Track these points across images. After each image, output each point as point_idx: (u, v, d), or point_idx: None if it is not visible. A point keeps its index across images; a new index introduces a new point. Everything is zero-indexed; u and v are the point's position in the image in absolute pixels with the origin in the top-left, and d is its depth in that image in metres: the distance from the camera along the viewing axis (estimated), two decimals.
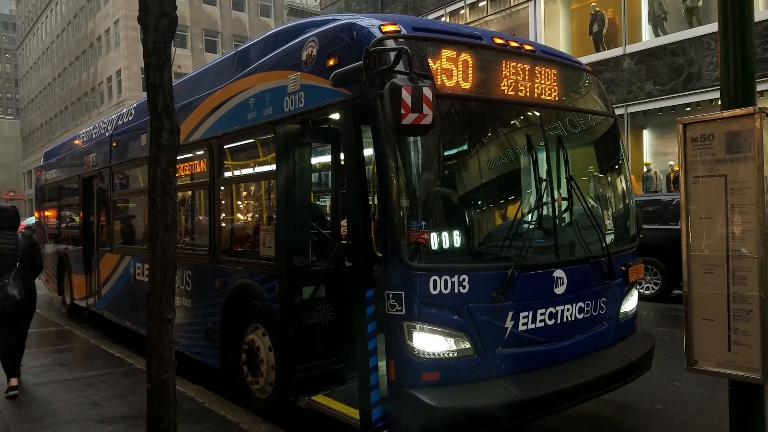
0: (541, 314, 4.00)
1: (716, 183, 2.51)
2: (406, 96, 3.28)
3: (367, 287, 3.80)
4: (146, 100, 6.87)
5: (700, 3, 15.25)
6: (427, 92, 3.33)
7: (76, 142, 11.17)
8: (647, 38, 16.26)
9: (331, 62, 4.14)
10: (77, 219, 10.47)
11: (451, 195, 4.10)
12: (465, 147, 4.27)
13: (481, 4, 19.98)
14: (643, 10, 16.33)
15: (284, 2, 49.25)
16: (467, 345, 3.70)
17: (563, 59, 4.86)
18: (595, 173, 5.08)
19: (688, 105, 15.10)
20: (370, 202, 4.41)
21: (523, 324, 3.90)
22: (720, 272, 2.51)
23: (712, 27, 14.60)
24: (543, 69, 4.42)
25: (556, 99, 4.51)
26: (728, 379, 2.78)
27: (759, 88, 14.27)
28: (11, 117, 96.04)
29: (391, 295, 3.64)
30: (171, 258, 3.90)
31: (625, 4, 16.44)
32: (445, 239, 3.88)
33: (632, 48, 16.14)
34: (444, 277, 3.63)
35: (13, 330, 5.91)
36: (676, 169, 14.92)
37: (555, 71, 4.51)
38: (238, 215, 6.00)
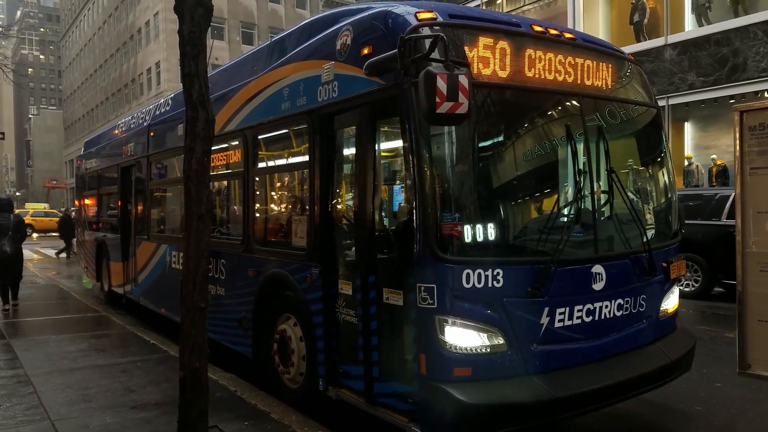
0: (579, 311, 3.89)
1: None
2: (442, 84, 3.19)
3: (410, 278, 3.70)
4: (174, 93, 6.84)
5: None
6: (463, 80, 3.24)
7: (115, 132, 11.36)
8: (690, 28, 15.75)
9: (366, 51, 4.08)
10: (115, 207, 10.65)
11: (486, 186, 4.00)
12: (501, 137, 4.16)
13: None
14: None
15: None
16: (501, 341, 3.61)
17: (605, 48, 4.71)
18: (636, 166, 4.90)
19: (732, 97, 14.60)
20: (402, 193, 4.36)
21: (560, 320, 3.80)
22: None
23: (760, 16, 14.06)
24: (583, 58, 4.27)
25: (597, 88, 4.37)
26: None
27: None
28: (54, 107, 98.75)
29: (422, 288, 3.56)
30: (205, 247, 3.91)
31: None
32: (479, 232, 3.78)
33: (674, 38, 15.66)
34: (478, 271, 3.55)
35: (10, 272, 9.71)
36: (719, 162, 14.45)
37: (596, 60, 4.36)
38: (272, 205, 6.00)
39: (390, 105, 3.88)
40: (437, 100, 3.20)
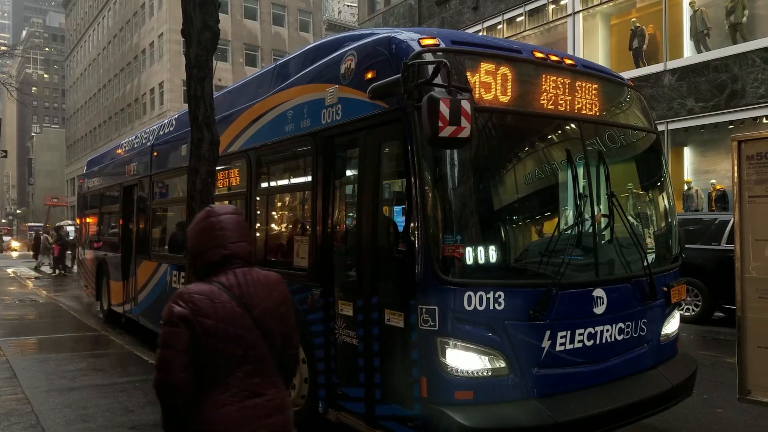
0: (580, 334, 3.89)
1: None
2: (444, 108, 3.24)
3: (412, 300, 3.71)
4: (187, 111, 6.95)
5: (745, 19, 14.88)
6: (466, 105, 3.29)
7: (118, 151, 11.41)
8: (689, 54, 15.92)
9: (370, 75, 4.15)
10: (117, 226, 10.64)
11: (488, 209, 4.03)
12: (502, 161, 4.21)
13: (518, 20, 19.87)
14: (685, 26, 16.02)
15: (323, 18, 49.89)
16: (502, 364, 3.60)
17: (605, 74, 4.77)
18: (637, 190, 4.96)
19: (731, 123, 14.70)
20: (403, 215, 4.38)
21: (561, 344, 3.80)
22: None
23: (758, 43, 14.23)
24: (584, 83, 4.34)
25: (597, 114, 4.43)
26: None
27: None
28: (57, 126, 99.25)
29: (424, 310, 3.56)
30: None
31: (667, 20, 16.15)
32: (480, 254, 3.79)
33: (673, 64, 15.82)
34: (479, 293, 3.55)
35: None
36: (718, 187, 14.50)
37: (596, 86, 4.43)
38: (273, 225, 6.03)
39: (393, 128, 3.93)
40: (440, 124, 3.24)
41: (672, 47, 16.18)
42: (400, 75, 3.62)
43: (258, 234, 5.93)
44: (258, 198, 5.97)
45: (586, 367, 3.94)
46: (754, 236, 2.38)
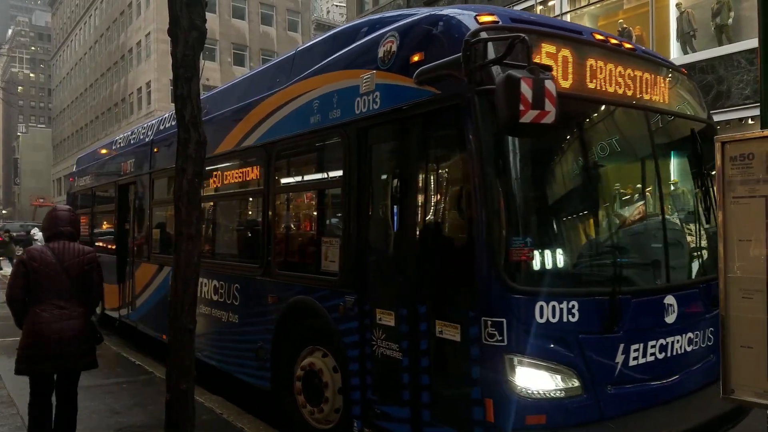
0: (652, 347, 3.53)
1: (756, 204, 2.40)
2: (526, 90, 2.84)
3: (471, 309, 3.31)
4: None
5: (731, 21, 15.01)
6: (550, 86, 2.89)
7: (113, 148, 10.85)
8: (675, 55, 16.03)
9: (416, 58, 3.72)
10: (111, 227, 10.18)
11: (559, 208, 3.63)
12: (571, 153, 3.82)
13: None
14: (672, 27, 16.13)
15: (312, 17, 49.80)
16: (576, 383, 3.23)
17: (664, 61, 4.44)
18: (704, 186, 4.43)
19: (717, 123, 14.82)
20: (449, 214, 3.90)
21: (634, 358, 3.44)
22: (759, 297, 2.39)
23: (743, 45, 14.36)
24: (645, 70, 3.94)
25: (665, 103, 4.05)
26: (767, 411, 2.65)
27: None
28: (43, 125, 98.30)
29: (489, 323, 3.17)
30: (194, 268, 3.90)
31: (653, 21, 16.25)
32: (550, 258, 3.41)
33: None
34: (552, 303, 3.18)
35: None
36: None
37: (657, 72, 4.07)
38: (295, 226, 5.61)
39: (446, 115, 3.57)
40: (521, 108, 2.84)
41: (659, 48, 16.25)
42: (460, 54, 3.20)
43: (277, 235, 5.47)
44: (277, 196, 5.52)
45: (657, 382, 3.58)
46: (737, 236, 2.40)
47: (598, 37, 3.88)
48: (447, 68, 3.37)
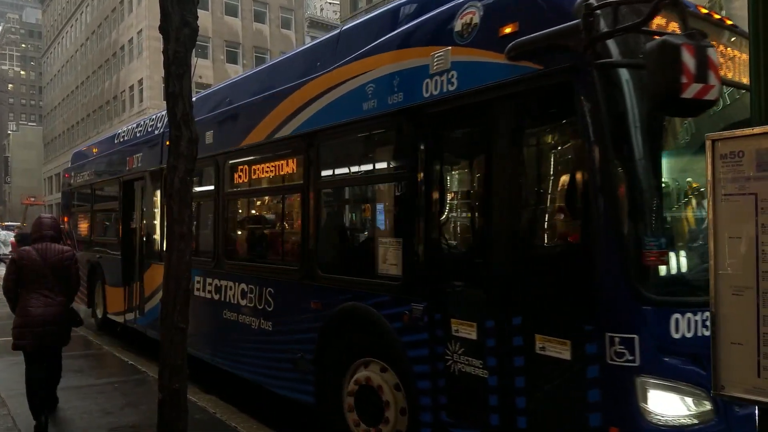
0: None
1: (746, 201, 2.41)
2: (689, 59, 2.38)
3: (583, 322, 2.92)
4: (211, 91, 6.29)
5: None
6: (713, 55, 2.46)
7: (115, 142, 10.15)
8: None
9: (508, 30, 3.32)
10: (114, 225, 9.54)
11: (694, 204, 3.29)
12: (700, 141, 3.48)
13: None
14: None
15: (305, 15, 49.70)
16: (707, 405, 2.88)
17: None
18: None
19: None
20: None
21: None
22: (749, 294, 2.40)
23: None
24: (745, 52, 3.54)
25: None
26: (757, 407, 2.66)
27: None
28: (34, 123, 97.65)
29: (617, 340, 2.78)
30: (186, 267, 3.91)
31: None
32: (684, 262, 3.06)
33: None
34: (687, 315, 2.84)
35: None
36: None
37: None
38: (342, 224, 5.21)
39: (551, 94, 3.19)
40: (683, 80, 2.39)
41: None
42: (579, 21, 2.83)
43: (321, 235, 4.99)
44: (321, 190, 5.02)
45: None
46: (728, 234, 2.42)
47: (703, 10, 3.50)
48: (559, 38, 2.97)
